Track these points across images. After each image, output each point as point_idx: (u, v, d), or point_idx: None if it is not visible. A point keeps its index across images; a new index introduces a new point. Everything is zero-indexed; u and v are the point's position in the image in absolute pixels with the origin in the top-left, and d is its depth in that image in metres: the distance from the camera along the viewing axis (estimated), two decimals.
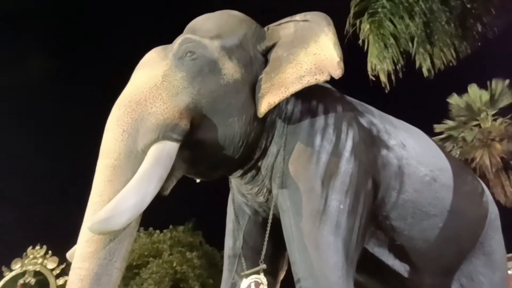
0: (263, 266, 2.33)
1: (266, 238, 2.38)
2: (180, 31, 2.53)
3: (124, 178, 2.00)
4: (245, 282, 2.35)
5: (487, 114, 12.34)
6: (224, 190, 2.90)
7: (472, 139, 12.03)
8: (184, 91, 2.22)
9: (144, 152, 2.08)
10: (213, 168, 2.45)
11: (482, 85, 12.48)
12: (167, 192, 2.21)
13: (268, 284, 2.35)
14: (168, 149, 2.10)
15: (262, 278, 2.31)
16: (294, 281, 2.23)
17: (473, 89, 12.51)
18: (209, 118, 2.25)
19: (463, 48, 5.92)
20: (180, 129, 2.15)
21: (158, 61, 2.34)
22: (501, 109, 12.31)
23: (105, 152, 2.08)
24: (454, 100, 12.62)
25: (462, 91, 12.67)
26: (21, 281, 11.57)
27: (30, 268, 11.70)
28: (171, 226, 17.30)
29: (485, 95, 12.28)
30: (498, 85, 12.17)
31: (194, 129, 2.22)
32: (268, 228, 2.39)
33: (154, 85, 2.22)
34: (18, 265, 11.83)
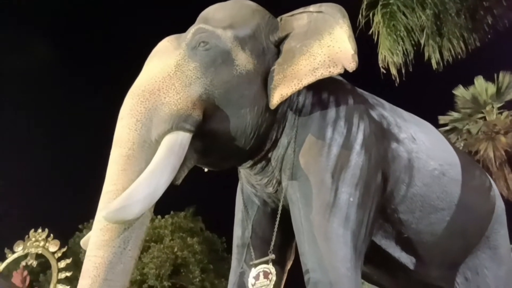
0: (272, 256, 2.36)
1: (275, 229, 2.40)
2: (191, 19, 2.52)
3: (138, 167, 2.01)
4: (254, 272, 2.38)
5: (493, 107, 12.26)
6: (225, 178, 2.91)
7: (476, 132, 11.98)
8: (197, 82, 2.22)
9: (158, 142, 2.08)
10: (224, 159, 2.45)
11: (489, 78, 12.39)
12: (179, 181, 2.22)
13: (276, 274, 2.37)
14: (181, 139, 2.11)
15: (271, 268, 2.33)
16: (303, 272, 2.25)
17: (479, 81, 12.41)
18: (222, 108, 2.24)
19: (472, 40, 5.86)
20: (193, 120, 2.15)
21: (171, 50, 2.33)
22: (507, 102, 12.22)
23: (118, 142, 2.09)
24: (460, 92, 12.53)
25: (468, 83, 12.59)
26: (23, 263, 11.67)
27: (32, 250, 11.78)
28: (172, 212, 17.40)
29: (491, 88, 12.18)
30: (505, 78, 12.07)
31: (207, 119, 2.22)
32: (278, 219, 2.41)
33: (167, 75, 2.21)
34: (20, 248, 11.92)
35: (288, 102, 2.43)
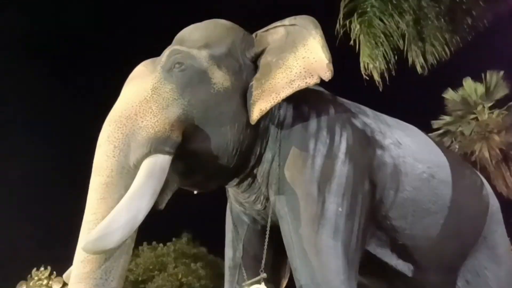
0: (264, 275, 2.31)
1: (266, 246, 2.35)
2: (169, 42, 2.52)
3: (118, 194, 1.98)
4: None
5: (484, 107, 12.31)
6: (225, 199, 2.88)
7: (470, 133, 12.00)
8: (174, 103, 2.20)
9: (137, 167, 2.05)
10: (208, 179, 2.42)
11: (477, 78, 12.49)
12: (162, 206, 2.18)
13: None
14: (161, 162, 2.08)
15: (263, 287, 2.28)
16: (296, 287, 2.20)
17: (468, 82, 12.49)
18: (201, 128, 2.23)
19: (454, 42, 5.91)
20: (171, 142, 2.13)
21: (147, 74, 2.32)
22: (497, 101, 12.27)
23: (97, 169, 2.06)
24: (449, 95, 12.60)
25: (457, 85, 12.67)
26: None
27: None
28: (174, 239, 17.26)
29: (481, 88, 12.26)
30: (492, 77, 12.15)
31: (187, 140, 2.20)
32: (267, 236, 2.37)
33: (143, 99, 2.20)
34: None
35: (269, 116, 2.42)
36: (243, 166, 2.42)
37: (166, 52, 2.37)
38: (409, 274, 2.64)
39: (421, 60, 5.87)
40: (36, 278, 11.88)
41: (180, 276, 15.83)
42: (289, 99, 2.32)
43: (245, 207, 2.63)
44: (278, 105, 2.40)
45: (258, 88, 2.31)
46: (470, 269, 2.88)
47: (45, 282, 11.81)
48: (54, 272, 11.78)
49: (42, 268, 12.08)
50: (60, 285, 11.37)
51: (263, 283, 2.29)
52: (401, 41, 5.71)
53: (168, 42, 2.51)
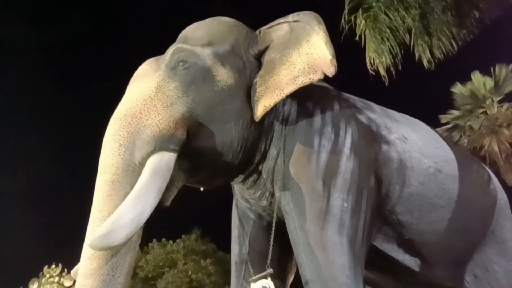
0: (270, 270, 2.32)
1: (271, 242, 2.36)
2: (173, 41, 2.53)
3: (123, 192, 2.00)
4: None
5: (493, 101, 12.16)
6: (232, 195, 2.89)
7: (479, 127, 11.87)
8: (179, 101, 2.21)
9: (142, 164, 2.07)
10: (213, 176, 2.44)
11: (486, 72, 12.34)
12: (168, 203, 2.20)
13: None
14: (166, 160, 2.09)
15: (269, 282, 2.29)
16: (303, 283, 2.21)
17: (476, 76, 12.34)
18: (206, 125, 2.23)
19: (461, 36, 5.85)
20: (176, 139, 2.14)
21: (151, 73, 2.34)
22: (506, 95, 12.12)
23: (103, 167, 2.08)
24: (458, 89, 12.45)
25: (465, 79, 12.53)
26: None
27: (48, 287, 11.82)
28: (183, 236, 17.36)
29: (489, 82, 12.11)
30: (502, 70, 11.99)
31: (191, 137, 2.21)
32: (273, 232, 2.37)
33: (148, 97, 2.21)
34: (36, 285, 11.97)
35: (273, 113, 2.43)
36: (248, 162, 2.42)
37: (170, 50, 2.38)
38: (416, 269, 2.64)
39: (428, 54, 5.80)
40: (47, 275, 12.03)
41: (189, 272, 15.95)
42: (293, 96, 2.33)
43: (251, 203, 2.64)
44: (282, 102, 2.40)
45: (262, 85, 2.31)
46: (478, 263, 2.86)
47: (56, 279, 11.96)
48: (65, 270, 11.91)
49: (53, 266, 12.22)
50: (71, 282, 11.48)
51: (269, 278, 2.30)
52: (407, 36, 5.65)
53: (172, 40, 2.52)
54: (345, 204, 2.26)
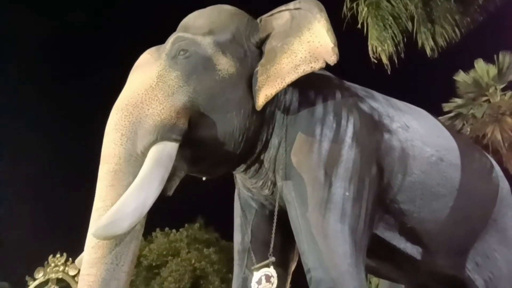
0: (272, 259, 2.33)
1: (273, 231, 2.38)
2: (173, 30, 2.52)
3: (126, 181, 2.01)
4: (256, 276, 2.35)
5: (496, 89, 12.07)
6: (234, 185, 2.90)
7: (482, 115, 11.80)
8: (180, 90, 2.21)
9: (144, 154, 2.07)
10: (215, 165, 2.44)
11: (489, 60, 12.24)
12: (170, 192, 2.21)
13: (279, 276, 2.36)
14: (168, 149, 2.10)
15: (272, 271, 2.31)
16: (305, 271, 2.23)
17: (479, 64, 12.24)
18: (207, 115, 2.23)
19: (465, 24, 5.79)
20: (178, 129, 2.15)
21: (152, 62, 2.33)
22: (510, 83, 12.00)
23: (105, 157, 2.09)
24: (461, 77, 12.36)
25: (469, 67, 12.43)
26: None
27: (53, 276, 11.95)
28: (186, 225, 17.48)
29: (493, 70, 12.01)
30: (505, 58, 11.87)
31: (193, 127, 2.21)
32: (275, 221, 2.39)
33: (149, 87, 2.21)
34: (41, 274, 12.10)
35: (275, 102, 2.42)
36: (250, 152, 2.43)
37: (171, 39, 2.37)
38: (418, 257, 2.65)
39: (431, 42, 5.77)
40: (52, 264, 12.14)
41: (193, 261, 16.05)
42: (294, 84, 2.31)
43: (253, 192, 2.65)
44: (284, 91, 2.39)
45: (263, 73, 2.30)
46: (479, 251, 2.87)
47: (61, 268, 12.08)
48: (70, 259, 12.03)
49: (58, 255, 12.34)
50: (76, 271, 11.60)
51: (271, 267, 2.32)
52: (410, 23, 5.60)
53: (173, 29, 2.51)
54: (347, 193, 2.26)
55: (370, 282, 11.53)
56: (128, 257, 1.94)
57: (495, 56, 12.06)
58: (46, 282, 11.91)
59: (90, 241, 1.94)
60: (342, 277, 2.11)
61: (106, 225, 1.85)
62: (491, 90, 12.10)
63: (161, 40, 2.48)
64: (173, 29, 2.53)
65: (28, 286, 11.95)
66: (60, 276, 11.80)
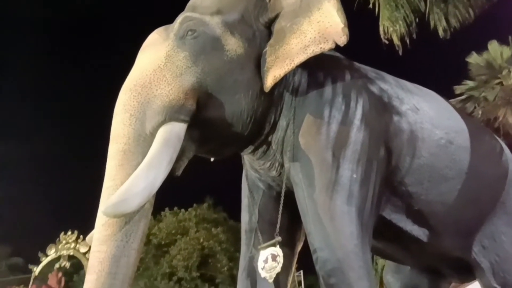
0: (279, 238, 2.36)
1: (280, 211, 2.39)
2: (181, 10, 2.50)
3: (135, 161, 2.03)
4: (262, 255, 2.38)
5: (509, 71, 11.85)
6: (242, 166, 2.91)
7: (494, 98, 11.63)
8: (188, 71, 2.21)
9: (153, 134, 2.09)
10: (223, 146, 2.45)
11: (503, 41, 11.98)
12: (179, 172, 2.23)
13: (286, 256, 2.38)
14: (176, 130, 2.11)
15: (278, 250, 2.33)
16: (311, 251, 2.25)
17: (493, 45, 12.01)
18: (215, 96, 2.23)
19: (479, 4, 5.66)
20: (186, 110, 2.15)
21: (160, 42, 2.32)
22: None
23: (114, 137, 2.11)
24: (473, 59, 12.15)
25: (481, 49, 12.19)
26: (57, 265, 12.19)
27: (64, 252, 12.28)
28: (195, 205, 17.68)
29: (507, 51, 11.78)
30: None
31: (201, 108, 2.21)
32: (282, 202, 2.40)
33: (157, 67, 2.21)
34: (53, 251, 12.43)
35: (283, 83, 2.41)
36: (258, 133, 2.43)
37: (179, 19, 2.35)
38: (425, 239, 2.65)
39: (444, 23, 5.65)
40: (64, 241, 12.45)
41: (201, 240, 16.31)
42: (303, 65, 2.29)
43: (260, 173, 2.66)
44: (293, 72, 2.37)
45: (272, 54, 2.28)
46: (486, 234, 2.87)
47: (72, 245, 12.39)
48: (81, 236, 12.29)
49: (69, 232, 12.62)
50: (87, 248, 11.87)
51: (278, 246, 2.34)
52: (422, 3, 5.48)
53: (181, 9, 2.50)
54: (354, 175, 2.26)
55: (376, 263, 11.61)
56: (138, 235, 1.97)
57: (509, 37, 11.82)
58: (58, 258, 12.23)
59: (101, 219, 1.97)
60: (348, 258, 2.12)
61: (115, 203, 1.88)
62: (504, 72, 11.89)
63: (169, 20, 2.47)
64: (181, 8, 2.51)
65: (41, 262, 12.28)
66: (72, 253, 12.11)
